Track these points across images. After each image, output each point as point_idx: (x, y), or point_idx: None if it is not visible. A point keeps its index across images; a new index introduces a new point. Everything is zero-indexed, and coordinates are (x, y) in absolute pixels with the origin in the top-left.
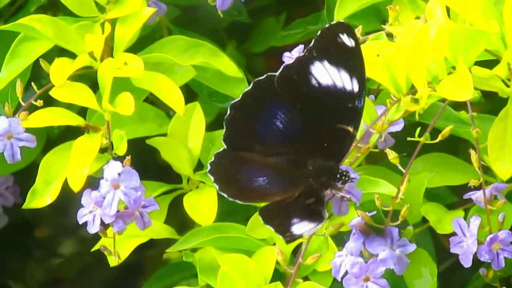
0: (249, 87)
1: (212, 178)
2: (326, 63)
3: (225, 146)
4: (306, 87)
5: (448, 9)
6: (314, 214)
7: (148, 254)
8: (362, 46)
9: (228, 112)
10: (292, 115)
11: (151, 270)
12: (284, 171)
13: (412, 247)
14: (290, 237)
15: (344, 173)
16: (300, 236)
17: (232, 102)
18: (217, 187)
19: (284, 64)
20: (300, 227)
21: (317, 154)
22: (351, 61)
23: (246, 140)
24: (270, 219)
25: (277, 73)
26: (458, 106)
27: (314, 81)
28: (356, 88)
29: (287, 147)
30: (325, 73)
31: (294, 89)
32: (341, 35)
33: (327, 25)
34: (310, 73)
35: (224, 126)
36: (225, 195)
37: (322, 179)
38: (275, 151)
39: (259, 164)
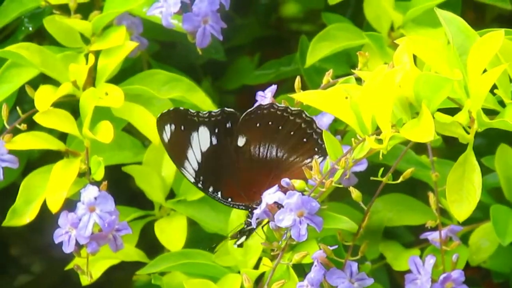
0: None
1: None
2: None
3: None
4: None
5: (415, 57)
6: None
7: (115, 277)
8: (332, 89)
9: None
10: None
11: None
12: None
13: (369, 281)
14: None
15: None
16: None
17: None
18: None
19: None
20: None
21: None
22: None
23: None
24: None
25: None
26: (420, 150)
27: None
28: None
29: None
30: None
31: None
32: None
33: None
34: None
35: None
36: None
37: None
38: None
39: None
